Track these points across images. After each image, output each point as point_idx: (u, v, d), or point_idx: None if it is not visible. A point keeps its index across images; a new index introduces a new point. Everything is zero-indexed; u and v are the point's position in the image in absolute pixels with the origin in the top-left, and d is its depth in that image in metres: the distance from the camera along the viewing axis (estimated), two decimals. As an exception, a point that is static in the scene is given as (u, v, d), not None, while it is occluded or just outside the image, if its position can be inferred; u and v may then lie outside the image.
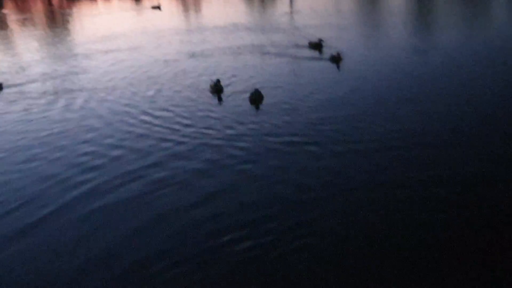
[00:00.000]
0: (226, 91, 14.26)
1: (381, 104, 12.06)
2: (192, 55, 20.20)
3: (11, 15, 46.91)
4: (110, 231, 7.04)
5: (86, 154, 10.09)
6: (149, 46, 23.38)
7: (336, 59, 17.06)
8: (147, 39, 25.63)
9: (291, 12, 33.10)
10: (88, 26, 34.34)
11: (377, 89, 13.39)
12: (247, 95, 13.42)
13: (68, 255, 6.49)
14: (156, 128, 11.37)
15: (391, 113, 11.36)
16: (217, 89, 14.10)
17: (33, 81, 17.35)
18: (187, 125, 11.47)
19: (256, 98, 12.95)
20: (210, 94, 14.06)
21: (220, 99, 13.52)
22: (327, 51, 18.84)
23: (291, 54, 19.09)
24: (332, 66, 16.59)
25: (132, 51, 22.15)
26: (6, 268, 6.31)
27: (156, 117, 12.24)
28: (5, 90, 16.23)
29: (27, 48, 25.54)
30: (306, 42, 20.80)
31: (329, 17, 29.31)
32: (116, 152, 10.09)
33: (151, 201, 7.84)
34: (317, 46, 19.63)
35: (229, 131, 10.85)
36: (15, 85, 16.83)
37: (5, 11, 53.13)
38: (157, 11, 40.64)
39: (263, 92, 13.51)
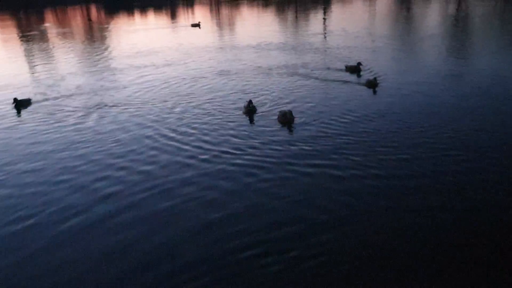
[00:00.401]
0: (258, 111, 13.92)
1: (417, 134, 11.46)
2: (225, 73, 20.00)
3: (52, 29, 48.35)
4: (137, 244, 7.33)
5: (108, 177, 9.90)
6: (183, 63, 23.33)
7: (372, 84, 16.38)
8: (181, 56, 25.64)
9: (325, 33, 32.76)
10: (125, 41, 34.87)
11: (415, 118, 12.69)
12: (278, 115, 13.03)
13: (96, 266, 6.82)
14: (184, 153, 11.10)
15: (427, 145, 10.77)
16: (249, 110, 13.75)
17: (65, 96, 17.38)
18: (217, 146, 11.21)
19: (288, 119, 12.61)
20: (242, 115, 13.74)
21: (252, 120, 13.18)
22: (365, 75, 18.17)
23: (324, 76, 18.56)
24: (367, 91, 15.98)
25: (166, 67, 22.15)
26: (41, 275, 6.69)
27: (185, 139, 11.95)
28: (35, 105, 16.23)
29: (64, 61, 25.99)
30: (341, 64, 20.21)
31: (362, 38, 28.69)
32: (142, 169, 10.02)
33: (178, 216, 8.10)
34: (355, 69, 18.86)
35: (258, 152, 10.74)
36: (46, 99, 16.88)
37: (46, 24, 54.92)
38: (196, 28, 40.97)
39: (294, 113, 13.10)
